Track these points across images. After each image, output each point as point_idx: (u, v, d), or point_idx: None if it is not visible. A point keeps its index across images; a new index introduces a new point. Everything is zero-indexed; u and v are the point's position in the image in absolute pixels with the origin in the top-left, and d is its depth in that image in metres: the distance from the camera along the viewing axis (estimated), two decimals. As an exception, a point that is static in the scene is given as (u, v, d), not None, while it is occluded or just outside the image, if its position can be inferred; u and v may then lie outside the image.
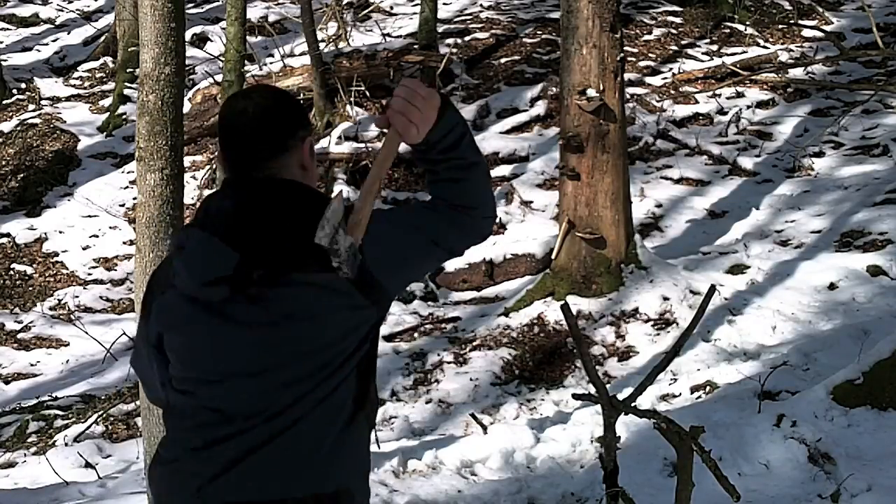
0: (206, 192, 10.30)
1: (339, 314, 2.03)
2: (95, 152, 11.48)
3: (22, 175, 11.06)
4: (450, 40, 12.15)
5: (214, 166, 9.28)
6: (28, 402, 7.47)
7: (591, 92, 7.19)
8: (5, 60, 13.29)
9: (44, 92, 12.82)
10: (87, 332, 8.43)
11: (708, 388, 6.13)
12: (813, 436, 4.80)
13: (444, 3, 13.36)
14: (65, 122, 11.93)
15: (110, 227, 10.36)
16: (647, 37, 12.62)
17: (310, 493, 2.05)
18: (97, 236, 10.26)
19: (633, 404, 3.86)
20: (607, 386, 5.42)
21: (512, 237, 8.95)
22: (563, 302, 4.42)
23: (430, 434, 6.12)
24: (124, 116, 11.88)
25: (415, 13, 12.90)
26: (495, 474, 5.27)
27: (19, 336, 8.88)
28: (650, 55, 12.23)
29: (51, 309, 9.30)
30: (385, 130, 2.22)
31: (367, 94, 10.96)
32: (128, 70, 12.27)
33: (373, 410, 2.18)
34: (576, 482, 5.02)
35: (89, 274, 9.80)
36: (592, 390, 3.88)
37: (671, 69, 11.90)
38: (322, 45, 11.16)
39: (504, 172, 10.06)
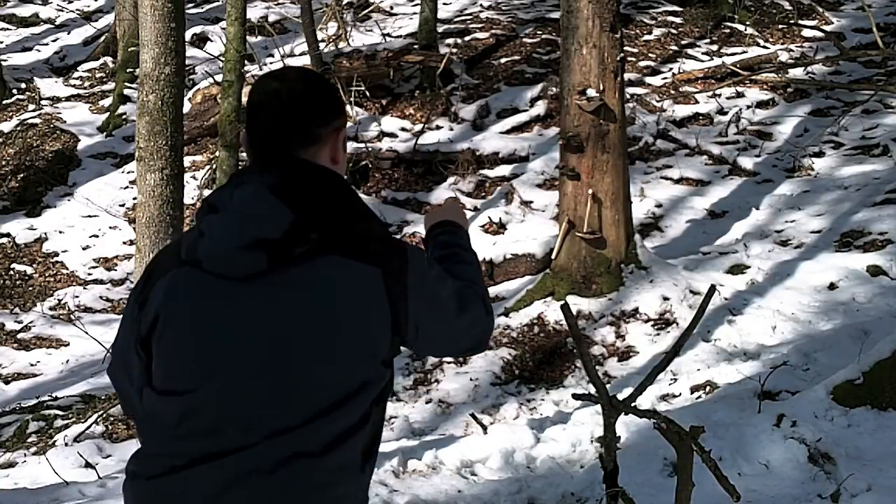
0: (206, 192, 10.30)
1: (366, 310, 1.84)
2: (95, 152, 11.48)
3: (22, 175, 11.06)
4: (450, 40, 12.15)
5: (214, 166, 9.28)
6: (28, 402, 7.47)
7: (591, 92, 7.19)
8: (5, 60, 13.30)
9: (44, 92, 12.82)
10: (87, 332, 8.42)
11: (708, 388, 6.13)
12: (813, 436, 4.80)
13: (444, 3, 13.36)
14: (65, 122, 11.93)
15: (110, 227, 10.36)
16: (647, 37, 12.62)
17: None
18: (97, 236, 10.26)
19: (633, 404, 3.86)
20: (607, 386, 5.42)
21: (512, 237, 8.95)
22: (563, 302, 4.42)
23: (430, 434, 6.12)
24: (124, 116, 11.88)
25: (415, 13, 12.90)
26: (495, 474, 5.27)
27: (19, 336, 8.88)
28: (650, 55, 12.23)
29: (51, 309, 9.30)
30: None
31: (367, 94, 10.97)
32: (128, 70, 12.27)
33: (372, 468, 1.93)
34: (576, 482, 5.02)
35: (89, 274, 9.80)
36: (592, 390, 3.88)
37: (671, 69, 11.90)
38: (322, 45, 11.16)
39: (504, 172, 10.06)
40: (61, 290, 9.59)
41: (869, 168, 9.45)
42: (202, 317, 1.84)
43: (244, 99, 9.19)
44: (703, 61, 12.09)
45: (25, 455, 6.30)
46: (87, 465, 5.87)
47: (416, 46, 11.35)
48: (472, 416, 6.07)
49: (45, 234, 10.28)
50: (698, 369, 6.47)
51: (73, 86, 13.10)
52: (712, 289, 4.09)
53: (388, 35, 12.38)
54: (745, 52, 12.31)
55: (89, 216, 10.49)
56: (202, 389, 1.82)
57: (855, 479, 4.45)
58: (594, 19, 7.16)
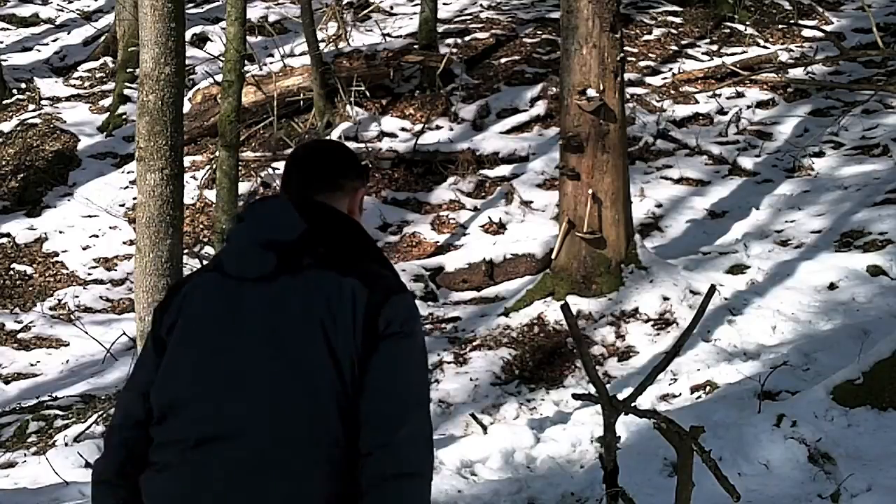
0: (206, 192, 10.30)
1: (352, 321, 2.00)
2: (95, 152, 11.48)
3: (22, 175, 11.06)
4: (450, 40, 12.15)
5: (214, 166, 9.28)
6: (28, 402, 7.47)
7: (591, 92, 7.19)
8: (5, 60, 13.29)
9: (44, 92, 12.81)
10: (87, 332, 8.42)
11: (708, 388, 6.13)
12: (813, 436, 4.80)
13: (444, 3, 13.36)
14: (65, 122, 11.93)
15: (110, 227, 10.35)
16: (647, 37, 12.62)
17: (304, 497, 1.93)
18: (97, 236, 10.25)
19: (633, 404, 3.86)
20: (607, 386, 5.42)
21: (512, 237, 8.95)
22: (563, 302, 4.42)
23: (430, 434, 6.11)
24: (124, 116, 11.87)
25: (415, 13, 12.90)
26: (495, 474, 5.27)
27: (19, 336, 8.88)
28: (650, 55, 12.23)
29: (51, 309, 9.30)
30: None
31: (367, 94, 10.97)
32: (128, 70, 12.27)
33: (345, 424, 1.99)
34: (576, 482, 5.02)
35: (89, 274, 9.80)
36: (592, 390, 3.88)
37: (671, 69, 11.90)
38: (322, 45, 11.16)
39: (504, 172, 10.06)
40: (61, 290, 9.59)
41: (869, 168, 9.44)
42: (211, 312, 2.07)
43: (244, 99, 9.19)
44: (703, 61, 12.08)
45: (25, 455, 6.30)
46: (87, 465, 5.87)
47: (416, 46, 11.34)
48: (472, 416, 6.07)
49: (45, 234, 10.28)
50: (698, 369, 6.47)
51: (73, 86, 13.09)
52: (712, 289, 4.10)
53: (388, 35, 12.38)
54: (745, 52, 12.31)
55: (89, 216, 10.49)
56: (198, 384, 2.02)
57: (855, 479, 4.45)
58: (594, 19, 7.16)
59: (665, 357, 3.88)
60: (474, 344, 7.15)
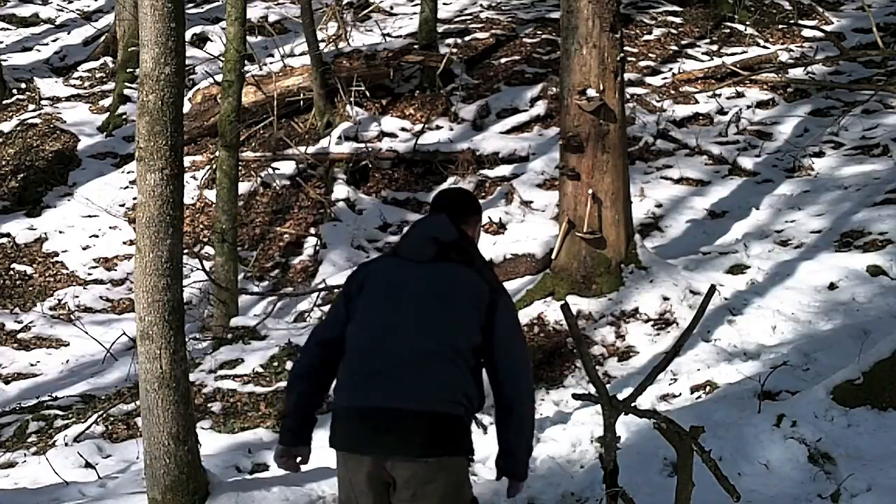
0: (206, 192, 10.30)
1: (474, 300, 3.23)
2: (95, 152, 11.48)
3: (22, 175, 11.06)
4: (450, 40, 12.15)
5: (214, 166, 9.28)
6: (28, 402, 7.47)
7: (591, 92, 7.19)
8: (5, 60, 13.30)
9: (44, 92, 12.82)
10: (87, 332, 8.43)
11: (708, 388, 6.13)
12: (813, 436, 4.80)
13: (444, 3, 13.36)
14: (65, 122, 11.93)
15: (110, 227, 10.36)
16: (647, 37, 12.62)
17: (433, 409, 3.11)
18: (97, 236, 10.26)
19: (633, 404, 3.86)
20: (607, 386, 5.42)
21: (512, 237, 8.95)
22: (563, 302, 4.42)
23: (430, 434, 6.11)
24: (124, 116, 11.88)
25: (415, 13, 12.90)
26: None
27: (19, 336, 8.89)
28: (650, 55, 12.23)
29: (51, 309, 9.31)
30: None
31: (367, 94, 10.97)
32: (128, 70, 12.28)
33: (470, 370, 3.21)
34: (576, 482, 5.02)
35: (89, 274, 9.81)
36: (592, 390, 3.88)
37: (671, 69, 11.90)
38: (322, 45, 11.16)
39: (504, 172, 10.06)
40: (61, 290, 9.59)
41: (869, 168, 9.44)
42: (391, 279, 3.30)
43: (244, 99, 9.19)
44: (703, 61, 12.09)
45: (25, 455, 6.30)
46: (87, 465, 5.87)
47: (416, 46, 11.34)
48: (472, 416, 6.06)
49: (45, 234, 10.28)
50: (698, 369, 6.47)
51: (73, 86, 13.10)
52: (712, 289, 4.10)
53: (388, 35, 12.38)
54: (745, 52, 12.31)
55: (89, 216, 10.49)
56: (380, 324, 3.21)
57: (855, 479, 4.45)
58: (594, 19, 7.16)
59: (665, 357, 3.88)
60: (474, 344, 7.15)
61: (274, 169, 10.46)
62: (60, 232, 10.29)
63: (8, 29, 14.87)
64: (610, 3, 7.17)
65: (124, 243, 10.05)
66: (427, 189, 10.18)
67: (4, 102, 12.49)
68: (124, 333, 7.81)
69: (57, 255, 10.04)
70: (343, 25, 12.14)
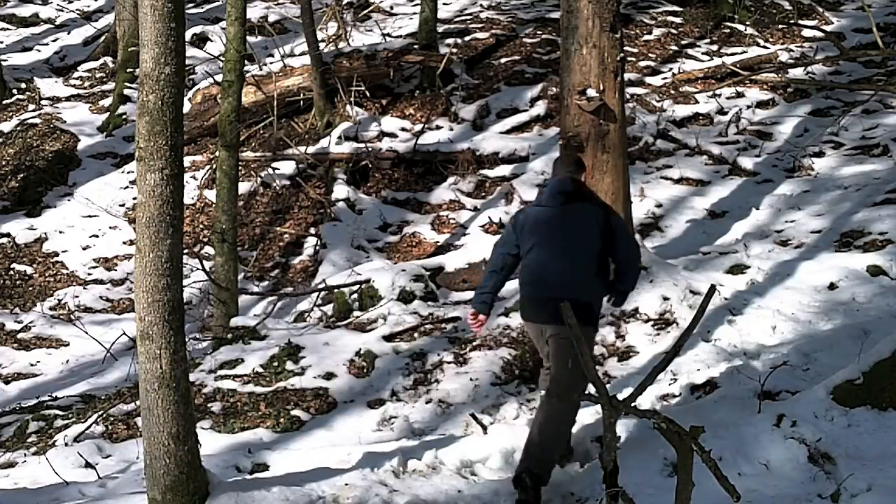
0: (206, 192, 10.31)
1: (594, 222, 5.13)
2: (95, 152, 11.48)
3: (22, 175, 11.06)
4: (450, 40, 12.15)
5: (214, 166, 9.29)
6: (28, 402, 7.47)
7: (591, 92, 7.19)
8: (5, 60, 13.30)
9: (44, 92, 12.82)
10: (87, 332, 8.43)
11: (708, 388, 6.13)
12: (813, 436, 4.80)
13: (444, 3, 13.37)
14: (65, 122, 11.93)
15: (110, 227, 10.36)
16: (647, 37, 12.62)
17: (577, 297, 4.74)
18: (97, 236, 10.26)
19: (633, 404, 3.86)
20: (607, 386, 5.43)
21: (512, 237, 8.94)
22: (563, 302, 4.42)
23: (430, 434, 6.12)
24: (124, 116, 11.88)
25: (415, 13, 12.90)
26: (495, 474, 5.27)
27: (19, 336, 8.89)
28: (650, 55, 12.24)
29: (51, 309, 9.31)
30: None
31: (367, 94, 10.97)
32: (128, 70, 12.28)
33: (607, 274, 5.26)
34: (576, 482, 5.02)
35: (89, 274, 9.81)
36: (592, 390, 3.89)
37: (671, 69, 11.90)
38: (322, 45, 11.16)
39: (504, 172, 10.06)
40: (61, 290, 9.60)
41: (869, 168, 9.44)
42: (540, 219, 5.23)
43: (244, 99, 9.20)
44: (703, 61, 12.09)
45: (25, 455, 6.30)
46: (87, 465, 5.87)
47: (416, 46, 11.34)
48: (472, 416, 6.07)
49: (45, 234, 10.29)
50: (698, 369, 6.47)
51: (73, 86, 13.10)
52: (712, 289, 4.10)
53: (388, 35, 12.38)
54: (745, 52, 12.31)
55: (89, 216, 10.49)
56: (540, 248, 5.16)
57: (855, 479, 4.45)
58: (594, 19, 7.16)
59: (665, 357, 3.88)
60: (474, 344, 7.15)
61: (274, 169, 10.46)
62: (60, 232, 10.29)
63: (8, 29, 14.87)
64: (610, 3, 7.17)
65: (124, 243, 10.06)
66: (427, 189, 10.18)
67: (4, 102, 12.50)
68: (124, 333, 7.81)
69: (57, 255, 10.05)
70: (343, 25, 12.14)
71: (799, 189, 9.31)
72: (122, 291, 9.52)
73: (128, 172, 10.89)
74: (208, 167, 10.48)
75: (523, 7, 13.49)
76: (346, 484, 4.94)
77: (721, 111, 10.99)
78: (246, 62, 9.45)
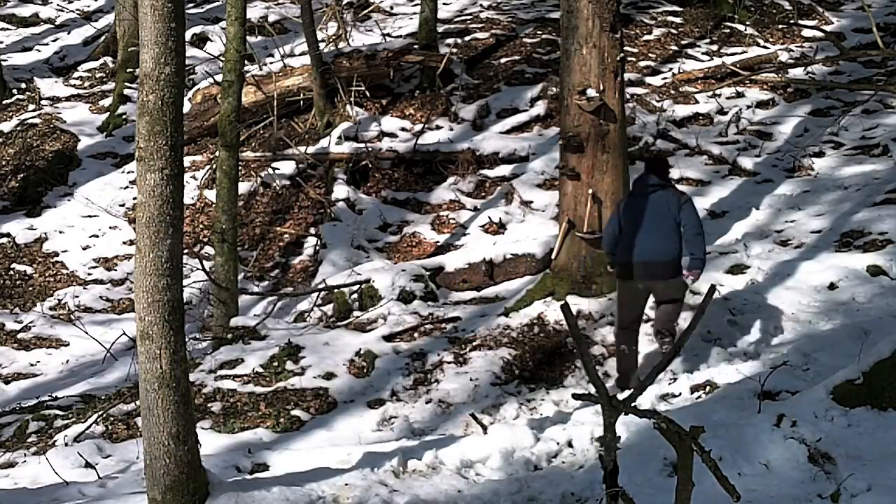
0: (206, 192, 10.30)
1: (673, 203, 6.63)
2: (95, 152, 11.48)
3: (22, 175, 11.06)
4: (450, 40, 12.15)
5: (214, 166, 9.29)
6: (28, 402, 7.47)
7: (591, 92, 7.20)
8: (5, 60, 13.30)
9: (44, 92, 12.82)
10: (87, 332, 8.43)
11: (708, 388, 6.13)
12: (813, 436, 4.80)
13: (444, 3, 13.36)
14: (65, 122, 11.93)
15: (110, 227, 10.36)
16: (647, 37, 12.62)
17: (669, 258, 6.53)
18: (97, 236, 10.26)
19: (633, 404, 3.86)
20: (607, 386, 5.42)
21: (512, 237, 8.95)
22: (563, 302, 4.42)
23: (430, 434, 6.12)
24: (124, 116, 11.88)
25: (415, 13, 12.90)
26: (495, 474, 5.27)
27: (19, 336, 8.89)
28: (650, 55, 12.24)
29: (51, 309, 9.31)
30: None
31: (367, 94, 10.97)
32: (128, 70, 12.28)
33: (679, 235, 6.63)
34: (576, 482, 5.02)
35: (89, 274, 9.81)
36: (592, 390, 3.89)
37: (671, 69, 11.90)
38: (322, 45, 11.16)
39: (504, 172, 10.06)
40: (61, 290, 9.60)
41: (869, 168, 9.44)
42: (636, 203, 6.70)
43: (244, 99, 9.20)
44: (703, 61, 12.09)
45: (25, 455, 6.30)
46: (87, 465, 5.87)
47: (416, 46, 11.34)
48: (472, 416, 6.07)
49: (45, 234, 10.29)
50: (698, 369, 6.48)
51: (73, 86, 13.10)
52: (712, 289, 4.10)
53: (388, 35, 12.38)
54: (745, 52, 12.31)
55: (89, 216, 10.49)
56: (637, 230, 6.63)
57: (855, 479, 4.45)
58: (594, 19, 7.16)
59: (665, 357, 3.88)
60: (474, 344, 7.15)
61: (274, 169, 10.46)
62: (60, 232, 10.29)
63: (8, 29, 14.87)
64: (610, 3, 7.17)
65: (124, 243, 10.06)
66: (427, 189, 10.17)
67: (4, 102, 12.49)
68: (124, 333, 7.81)
69: (57, 255, 10.05)
70: (343, 25, 12.14)
71: (799, 189, 9.31)
72: (122, 291, 9.52)
73: (128, 172, 10.90)
74: (208, 167, 10.48)
75: (523, 7, 13.49)
76: (346, 484, 4.94)
77: (721, 111, 10.99)
78: (246, 62, 9.45)
